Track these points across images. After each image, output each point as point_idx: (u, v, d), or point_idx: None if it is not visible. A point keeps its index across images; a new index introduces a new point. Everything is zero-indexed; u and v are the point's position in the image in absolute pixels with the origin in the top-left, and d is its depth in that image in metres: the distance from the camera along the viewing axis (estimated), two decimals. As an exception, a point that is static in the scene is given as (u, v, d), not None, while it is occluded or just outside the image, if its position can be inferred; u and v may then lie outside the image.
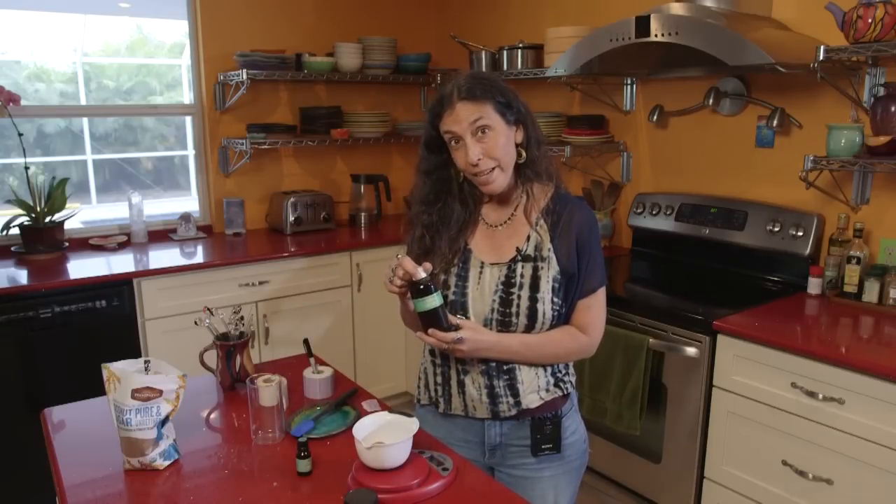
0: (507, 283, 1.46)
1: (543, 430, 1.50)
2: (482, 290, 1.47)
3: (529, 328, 1.45)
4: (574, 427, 1.56)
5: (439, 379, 1.55)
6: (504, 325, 1.46)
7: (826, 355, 1.87)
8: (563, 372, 1.54)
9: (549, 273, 1.45)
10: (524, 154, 1.47)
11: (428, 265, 1.39)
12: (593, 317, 1.50)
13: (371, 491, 1.17)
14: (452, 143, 1.44)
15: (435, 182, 1.53)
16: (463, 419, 1.54)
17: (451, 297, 1.48)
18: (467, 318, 1.47)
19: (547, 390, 1.50)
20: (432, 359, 1.56)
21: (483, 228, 1.53)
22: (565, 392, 1.53)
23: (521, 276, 1.45)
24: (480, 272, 1.48)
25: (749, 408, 2.07)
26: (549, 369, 1.50)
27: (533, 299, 1.44)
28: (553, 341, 1.48)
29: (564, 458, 1.54)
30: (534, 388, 1.48)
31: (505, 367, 1.47)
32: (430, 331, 1.38)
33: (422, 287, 1.36)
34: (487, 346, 1.43)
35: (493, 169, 1.42)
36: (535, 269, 1.45)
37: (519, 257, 1.47)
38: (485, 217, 1.54)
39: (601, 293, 1.51)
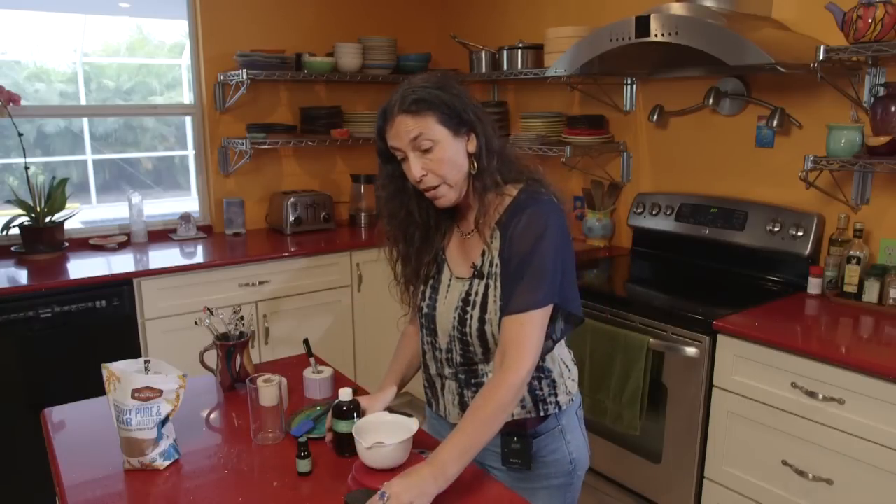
0: (465, 301, 1.38)
1: (510, 446, 1.43)
2: (447, 306, 1.42)
3: (485, 353, 1.38)
4: (555, 447, 1.46)
5: (426, 382, 1.55)
6: (464, 343, 1.39)
7: (826, 355, 1.87)
8: (547, 392, 1.43)
9: (496, 292, 1.34)
10: (475, 165, 1.35)
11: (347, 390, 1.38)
12: (520, 344, 1.26)
13: (371, 491, 1.17)
14: (398, 156, 1.35)
15: (394, 193, 1.43)
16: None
17: (425, 309, 1.46)
18: (436, 332, 1.44)
19: (522, 407, 1.41)
20: (423, 360, 1.55)
21: (457, 236, 1.46)
22: (544, 413, 1.43)
23: (476, 293, 1.37)
24: (448, 286, 1.44)
25: (749, 408, 2.07)
26: (524, 388, 1.33)
27: (482, 321, 1.35)
28: (479, 414, 1.25)
29: (543, 475, 1.46)
30: None
31: (473, 381, 1.42)
32: None
33: (344, 409, 1.38)
34: (424, 479, 1.17)
35: (439, 185, 1.33)
36: (486, 288, 1.36)
37: (475, 273, 1.39)
38: (458, 224, 1.47)
39: (538, 316, 1.27)
